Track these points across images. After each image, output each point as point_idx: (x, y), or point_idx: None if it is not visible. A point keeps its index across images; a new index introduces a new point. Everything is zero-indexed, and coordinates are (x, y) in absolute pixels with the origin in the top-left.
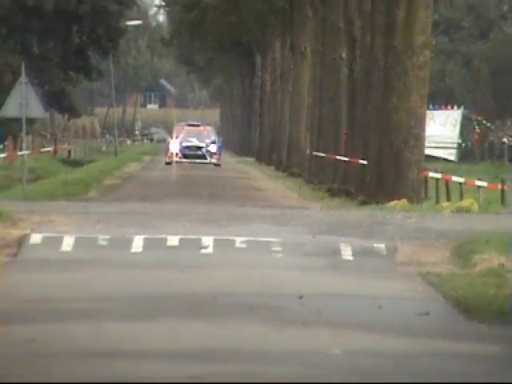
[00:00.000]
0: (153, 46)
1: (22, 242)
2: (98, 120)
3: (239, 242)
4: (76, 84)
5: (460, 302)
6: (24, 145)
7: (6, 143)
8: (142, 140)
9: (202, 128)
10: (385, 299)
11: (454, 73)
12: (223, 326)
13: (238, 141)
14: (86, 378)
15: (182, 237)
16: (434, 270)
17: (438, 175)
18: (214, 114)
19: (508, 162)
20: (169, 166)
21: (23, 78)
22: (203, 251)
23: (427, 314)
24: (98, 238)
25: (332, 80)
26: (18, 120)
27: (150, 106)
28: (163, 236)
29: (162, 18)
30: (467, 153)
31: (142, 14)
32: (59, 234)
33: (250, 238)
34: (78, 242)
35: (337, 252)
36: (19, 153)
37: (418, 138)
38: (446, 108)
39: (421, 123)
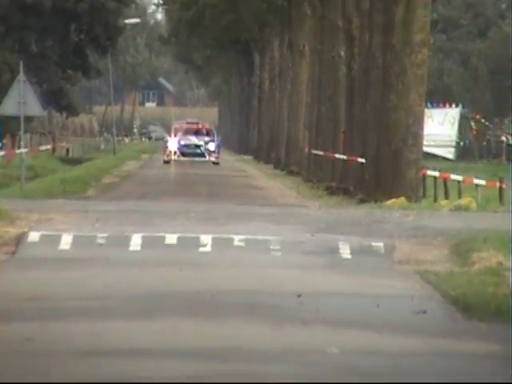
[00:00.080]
0: (151, 44)
1: (20, 240)
2: (97, 118)
3: (238, 240)
4: (74, 82)
5: (458, 301)
6: (22, 143)
7: (4, 141)
8: (141, 138)
9: (200, 126)
10: (383, 298)
11: (452, 71)
12: (222, 324)
13: (236, 139)
14: (85, 377)
15: (180, 235)
16: (432, 269)
17: (437, 173)
18: (213, 112)
19: (506, 160)
20: (167, 165)
21: (21, 77)
22: (202, 249)
23: (425, 312)
24: (96, 236)
25: (330, 78)
26: (16, 118)
27: (148, 105)
28: (161, 234)
29: (160, 16)
30: (465, 151)
31: (141, 12)
32: (57, 233)
33: (249, 237)
34: (76, 241)
35: (335, 250)
36: (17, 151)
37: (417, 137)
38: (445, 106)
39: (419, 122)
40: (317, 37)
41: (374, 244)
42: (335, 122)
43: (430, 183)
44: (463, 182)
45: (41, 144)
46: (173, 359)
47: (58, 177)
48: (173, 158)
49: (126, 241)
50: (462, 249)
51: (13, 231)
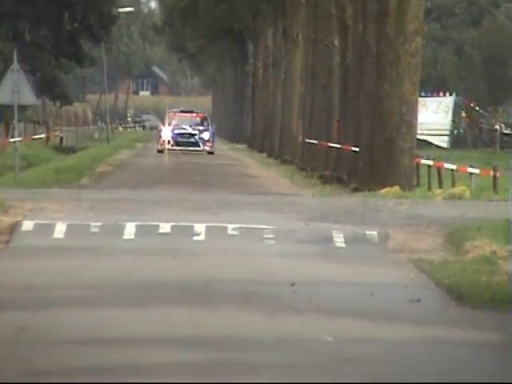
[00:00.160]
0: (145, 33)
1: (13, 229)
2: (91, 107)
3: (231, 229)
4: (68, 71)
5: (452, 289)
6: (16, 132)
7: None
8: (134, 127)
9: (195, 115)
10: (377, 286)
11: (446, 60)
12: (215, 313)
13: (230, 128)
14: (79, 365)
15: (174, 224)
16: (426, 257)
17: (430, 162)
18: (206, 101)
19: (500, 148)
20: (161, 154)
21: (15, 65)
22: (195, 238)
23: (418, 300)
24: (90, 225)
25: (324, 67)
26: (9, 107)
27: (142, 93)
28: (155, 223)
29: (154, 4)
30: (459, 140)
31: (134, 1)
32: (51, 221)
33: (243, 225)
34: (70, 229)
35: (329, 239)
36: (11, 140)
37: (410, 125)
38: (438, 95)
39: (413, 110)
40: (310, 26)
41: (367, 233)
42: (329, 110)
43: (423, 172)
44: (457, 170)
45: (35, 133)
46: (166, 347)
47: (51, 166)
48: (166, 147)
49: (120, 229)
50: (455, 237)
51: (6, 220)
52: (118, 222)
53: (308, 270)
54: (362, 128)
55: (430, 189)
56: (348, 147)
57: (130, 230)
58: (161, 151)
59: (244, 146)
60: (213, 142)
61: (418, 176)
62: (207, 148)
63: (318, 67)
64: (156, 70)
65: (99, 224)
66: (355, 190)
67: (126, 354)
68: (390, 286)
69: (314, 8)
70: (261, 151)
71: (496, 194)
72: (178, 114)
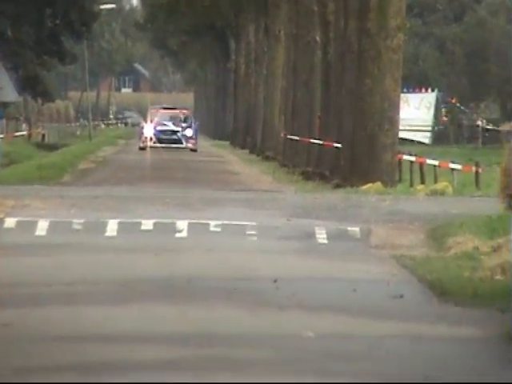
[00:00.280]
0: (127, 30)
1: None
2: (72, 104)
3: (214, 225)
4: (50, 68)
5: (435, 285)
6: None
7: None
8: (117, 124)
9: (177, 111)
10: (359, 282)
11: (427, 56)
12: (198, 309)
13: (212, 124)
14: (62, 362)
15: (156, 221)
16: (409, 253)
17: (412, 158)
18: (189, 97)
19: (481, 144)
20: (143, 151)
21: None
22: (178, 235)
23: (401, 296)
24: (72, 222)
25: (306, 63)
26: None
27: (124, 90)
28: (138, 220)
29: (135, 1)
30: (441, 135)
31: None
32: (34, 218)
33: (225, 222)
34: (52, 226)
35: (311, 235)
36: None
37: (392, 121)
38: (420, 91)
39: (395, 106)
40: (292, 22)
41: (350, 229)
42: (311, 106)
43: (405, 168)
44: (439, 166)
45: (16, 130)
46: (148, 344)
47: (33, 163)
48: (149, 144)
49: (102, 226)
50: (438, 233)
51: None
52: (101, 219)
53: (290, 266)
54: (344, 124)
55: (412, 185)
56: (330, 143)
57: (112, 227)
58: (143, 148)
59: (226, 143)
60: (196, 139)
61: (400, 172)
62: (190, 145)
63: (300, 63)
64: (138, 66)
65: (81, 221)
66: (337, 186)
67: (109, 351)
68: (372, 282)
69: (295, 4)
70: (243, 147)
71: (478, 190)
72: (160, 110)
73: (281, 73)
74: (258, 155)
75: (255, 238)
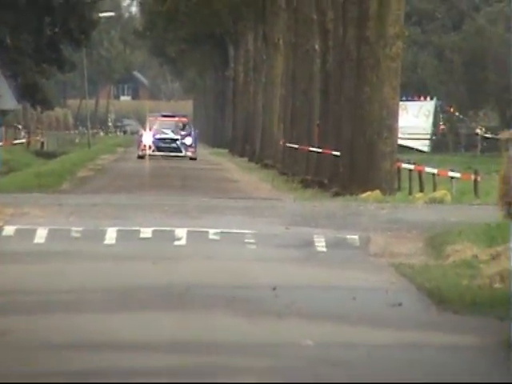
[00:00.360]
0: (126, 38)
1: None
2: (71, 112)
3: (212, 233)
4: (49, 76)
5: (433, 293)
6: None
7: None
8: (116, 132)
9: (176, 119)
10: (358, 290)
11: (426, 64)
12: (196, 317)
13: (211, 132)
14: (59, 370)
15: (155, 229)
16: (407, 261)
17: (411, 166)
18: (188, 105)
19: (480, 152)
20: (142, 159)
21: None
22: (176, 243)
23: (400, 304)
24: (71, 229)
25: (305, 71)
26: None
27: (123, 98)
28: (136, 228)
29: (134, 9)
30: (440, 144)
31: (115, 6)
32: (32, 226)
33: (224, 230)
34: (51, 234)
35: (310, 243)
36: None
37: (391, 129)
38: (419, 99)
39: (394, 114)
40: (291, 30)
41: (348, 237)
42: (310, 114)
43: (404, 176)
44: (438, 174)
45: (15, 138)
46: (147, 352)
47: (32, 170)
48: (147, 152)
49: (101, 234)
50: (436, 241)
51: None
52: (99, 226)
53: (289, 275)
54: (343, 132)
55: (410, 193)
56: (329, 151)
57: (111, 235)
58: (141, 157)
59: (225, 151)
60: (195, 147)
61: (399, 180)
62: (189, 154)
63: (299, 71)
64: (137, 74)
65: (80, 229)
66: (336, 194)
67: (108, 359)
68: (371, 290)
69: (294, 12)
70: (242, 155)
71: (477, 198)
72: (159, 118)
73: (280, 81)
74: (256, 163)
75: (254, 246)
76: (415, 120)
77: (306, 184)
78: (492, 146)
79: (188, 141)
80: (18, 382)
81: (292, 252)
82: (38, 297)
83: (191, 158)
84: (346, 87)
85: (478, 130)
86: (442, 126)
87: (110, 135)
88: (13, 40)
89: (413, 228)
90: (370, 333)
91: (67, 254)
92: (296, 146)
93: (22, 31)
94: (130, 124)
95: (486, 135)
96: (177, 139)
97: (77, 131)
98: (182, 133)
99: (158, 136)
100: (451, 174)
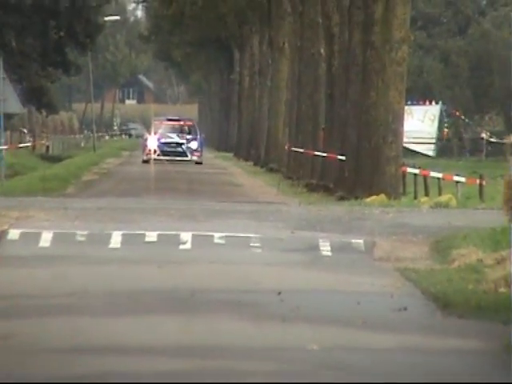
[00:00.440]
0: (131, 42)
1: None
2: (77, 116)
3: (218, 237)
4: (54, 80)
5: (438, 298)
6: (2, 140)
7: None
8: (121, 135)
9: (182, 123)
10: (363, 295)
11: (432, 68)
12: (202, 321)
13: (216, 136)
14: (64, 374)
15: (160, 232)
16: (413, 266)
17: (416, 170)
18: (193, 109)
19: (485, 157)
20: (147, 164)
21: (1, 74)
22: (182, 247)
23: (405, 309)
24: (76, 233)
25: (310, 75)
26: None
27: (128, 102)
28: (141, 232)
29: (140, 13)
30: (445, 148)
31: (120, 10)
32: (37, 230)
33: (229, 234)
34: (56, 238)
35: (315, 248)
36: None
37: (397, 134)
38: (425, 103)
39: (399, 119)
40: (297, 34)
41: (354, 241)
42: (315, 119)
43: (409, 180)
44: (443, 179)
45: (20, 141)
46: (152, 356)
47: (37, 174)
48: (152, 157)
49: (106, 238)
50: (441, 246)
51: None
52: (104, 230)
53: (294, 279)
54: (348, 136)
55: (416, 197)
56: (334, 156)
57: (116, 239)
58: (146, 161)
59: (230, 155)
60: (201, 151)
61: (404, 184)
62: (195, 158)
63: (304, 75)
64: (142, 78)
65: (85, 233)
66: (341, 198)
67: (112, 363)
68: (376, 295)
69: (300, 16)
70: (247, 159)
71: (482, 203)
72: (164, 122)
73: (285, 85)
74: (262, 167)
75: (259, 250)
76: (420, 124)
77: (311, 188)
78: (497, 151)
79: (194, 145)
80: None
81: (297, 256)
82: (42, 300)
83: (197, 163)
84: (351, 91)
85: (484, 135)
86: (445, 131)
87: (115, 139)
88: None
89: (418, 232)
90: (375, 337)
91: (72, 257)
92: (301, 150)
93: (28, 35)
94: (136, 128)
95: (492, 140)
96: (182, 143)
97: (82, 135)
98: (188, 137)
99: (163, 140)
100: (456, 178)
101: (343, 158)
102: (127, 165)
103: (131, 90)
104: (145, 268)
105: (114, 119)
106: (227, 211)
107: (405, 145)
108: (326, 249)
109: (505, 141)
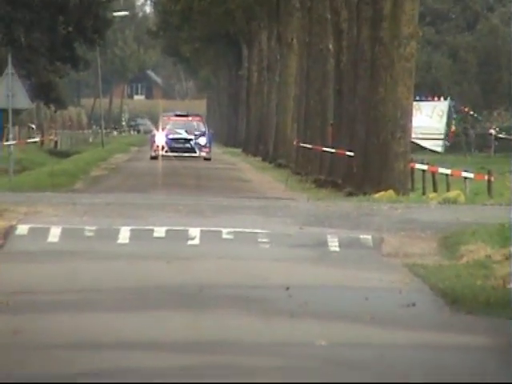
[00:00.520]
0: (139, 37)
1: (8, 233)
2: (85, 111)
3: (226, 233)
4: (63, 75)
5: (447, 294)
6: (11, 135)
7: None
8: (129, 131)
9: (190, 119)
10: (371, 290)
11: (440, 64)
12: (210, 317)
13: (224, 132)
14: (73, 370)
15: (168, 228)
16: (421, 262)
17: (425, 167)
18: (201, 104)
19: (494, 153)
20: (155, 159)
21: (9, 69)
22: (190, 242)
23: (413, 305)
24: (84, 229)
25: (319, 71)
26: (4, 111)
27: (136, 97)
28: (150, 227)
29: (148, 8)
30: (454, 144)
31: (129, 5)
32: (46, 225)
33: (237, 230)
34: (64, 233)
35: (324, 243)
36: (5, 143)
37: (405, 130)
38: (433, 99)
39: (407, 114)
40: (305, 29)
41: (362, 237)
42: (323, 114)
43: (418, 176)
44: (451, 175)
45: (29, 137)
46: (161, 352)
47: (46, 170)
48: (160, 153)
49: (115, 233)
50: (450, 242)
51: (1, 224)
52: (113, 226)
53: (303, 275)
54: (357, 132)
55: (424, 193)
56: (342, 151)
57: (124, 235)
58: (154, 157)
59: (239, 150)
60: (210, 147)
61: (412, 180)
62: (204, 154)
63: (313, 71)
64: (150, 73)
65: (94, 228)
66: (350, 194)
67: (121, 358)
68: (384, 291)
69: (308, 12)
70: (255, 155)
71: (490, 198)
72: (172, 117)
73: (293, 81)
74: (270, 163)
75: (267, 246)
76: (429, 120)
77: (319, 184)
78: (506, 147)
79: (202, 141)
80: (20, 382)
81: (305, 252)
82: (50, 296)
83: (205, 159)
84: (359, 87)
85: (492, 131)
86: (452, 129)
87: (123, 134)
88: (27, 39)
89: (426, 228)
90: (383, 333)
91: (80, 253)
92: (310, 145)
93: (36, 30)
94: (144, 123)
95: (500, 135)
96: (191, 139)
97: (90, 130)
98: (196, 132)
99: (171, 136)
100: (465, 174)
101: (351, 153)
102: (135, 160)
103: (140, 86)
104: (153, 263)
105: (123, 115)
106: (235, 207)
107: (413, 141)
108: (334, 244)
109: None
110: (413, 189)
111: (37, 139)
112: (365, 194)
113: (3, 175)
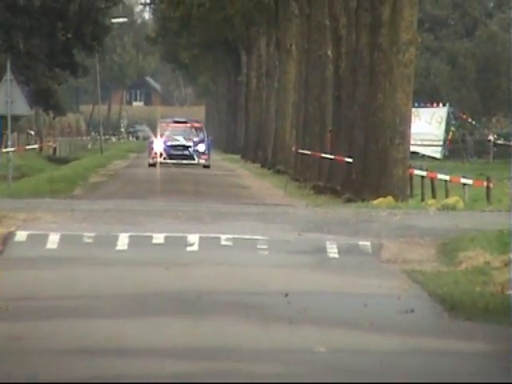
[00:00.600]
0: (138, 44)
1: (7, 239)
2: (84, 117)
3: (225, 239)
4: (62, 82)
5: (445, 300)
6: (10, 142)
7: None
8: (128, 137)
9: (189, 125)
10: (370, 297)
11: (439, 70)
12: (209, 323)
13: (223, 138)
14: (72, 376)
15: (167, 234)
16: (420, 268)
17: (424, 173)
18: (200, 111)
19: (492, 159)
20: (153, 167)
21: (8, 76)
22: (189, 249)
23: (412, 311)
24: (83, 235)
25: (317, 77)
26: (3, 117)
27: (135, 104)
28: (149, 234)
29: (147, 15)
30: (452, 150)
31: (128, 12)
32: (45, 232)
33: (236, 236)
34: (63, 240)
35: (322, 250)
36: (4, 150)
37: (404, 136)
38: (432, 105)
39: (406, 121)
40: (304, 36)
41: (361, 243)
42: (322, 121)
43: (417, 182)
44: (450, 181)
45: (28, 143)
46: (160, 358)
47: (45, 176)
48: (159, 160)
49: (113, 240)
50: (449, 248)
51: (0, 230)
52: (111, 232)
53: (301, 281)
54: (356, 138)
55: (423, 199)
56: (341, 158)
57: (123, 241)
58: (152, 165)
59: (237, 156)
60: (209, 154)
61: (411, 186)
62: (203, 161)
63: (312, 77)
64: (149, 80)
65: (92, 234)
66: (348, 200)
67: (120, 365)
68: (383, 297)
69: (307, 18)
70: (254, 161)
71: (489, 205)
72: (170, 124)
73: (292, 87)
74: (269, 169)
75: (266, 252)
76: (428, 126)
77: (318, 190)
78: (504, 153)
79: (201, 148)
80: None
81: (304, 258)
82: (49, 302)
83: (204, 166)
84: (358, 93)
85: (491, 137)
86: (450, 137)
87: (122, 141)
88: (26, 45)
89: (425, 234)
90: (382, 339)
91: (79, 259)
92: (308, 152)
93: (35, 36)
94: (143, 130)
95: (499, 142)
96: (189, 146)
97: (89, 137)
98: (195, 139)
99: (169, 143)
100: (463, 180)
101: (350, 160)
102: (134, 167)
103: (138, 92)
104: (152, 270)
105: (121, 121)
106: (234, 213)
107: (412, 147)
108: (333, 251)
109: None
110: (412, 195)
111: (36, 146)
112: (364, 200)
113: (2, 181)
